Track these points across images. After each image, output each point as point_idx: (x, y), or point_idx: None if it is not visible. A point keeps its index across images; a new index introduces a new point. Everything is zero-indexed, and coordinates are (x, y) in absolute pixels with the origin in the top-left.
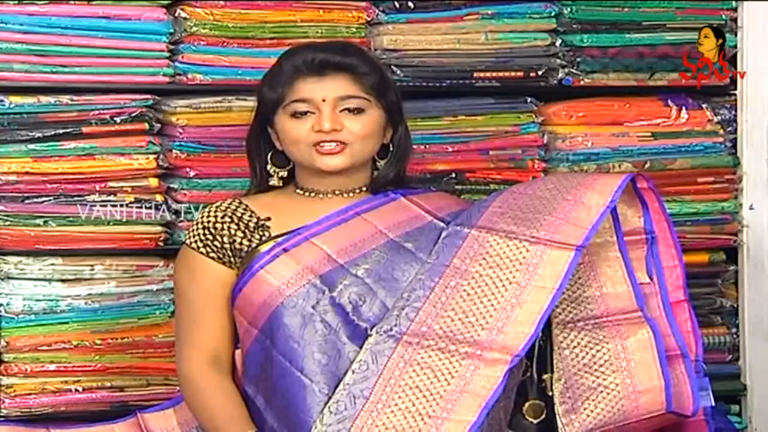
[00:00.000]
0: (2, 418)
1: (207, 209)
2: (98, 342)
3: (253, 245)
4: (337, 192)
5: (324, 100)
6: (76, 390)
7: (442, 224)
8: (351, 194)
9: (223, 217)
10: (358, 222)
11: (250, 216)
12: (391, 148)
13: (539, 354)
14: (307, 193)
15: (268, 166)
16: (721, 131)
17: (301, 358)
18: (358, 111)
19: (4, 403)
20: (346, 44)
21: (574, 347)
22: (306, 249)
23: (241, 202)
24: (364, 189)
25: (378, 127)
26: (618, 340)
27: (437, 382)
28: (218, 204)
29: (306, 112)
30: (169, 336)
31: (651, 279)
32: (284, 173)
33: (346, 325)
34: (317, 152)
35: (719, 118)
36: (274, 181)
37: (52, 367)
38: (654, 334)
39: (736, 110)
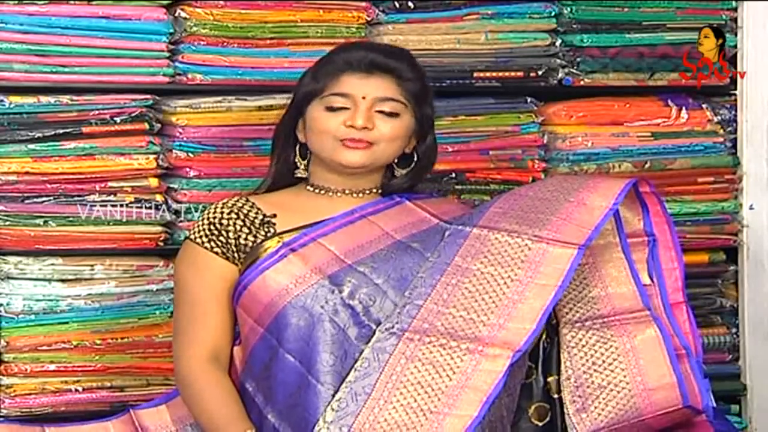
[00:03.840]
0: (2, 418)
1: (213, 206)
2: (98, 342)
3: (258, 241)
4: (347, 191)
5: (364, 98)
6: (76, 390)
7: (448, 226)
8: (360, 195)
9: (229, 214)
10: (363, 224)
11: (256, 213)
12: (415, 158)
13: (544, 356)
14: (316, 191)
15: (296, 158)
16: (721, 131)
17: (309, 358)
18: (393, 115)
19: (4, 403)
20: (400, 49)
21: (583, 346)
22: (313, 249)
23: (247, 200)
24: (375, 191)
25: (406, 133)
26: (626, 338)
27: (439, 377)
28: (225, 201)
29: (341, 108)
30: (169, 336)
31: (652, 281)
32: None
33: (356, 326)
34: (342, 146)
35: (719, 118)
36: (300, 173)
37: (52, 367)
38: (661, 332)
39: (736, 110)
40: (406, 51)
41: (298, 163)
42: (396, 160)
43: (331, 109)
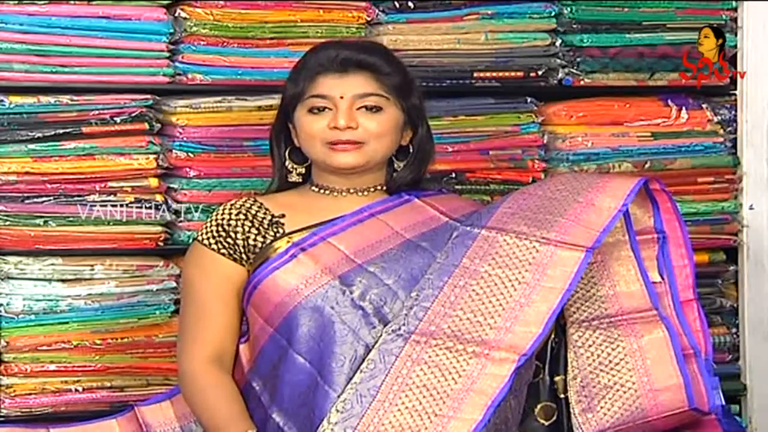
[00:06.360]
0: (2, 418)
1: (222, 207)
2: (98, 342)
3: (267, 242)
4: (351, 190)
5: (342, 97)
6: (76, 390)
7: (457, 225)
8: (366, 193)
9: (237, 215)
10: (373, 223)
11: (265, 213)
12: (411, 150)
13: (552, 356)
14: (322, 191)
15: (287, 162)
16: (721, 131)
17: (320, 360)
18: (376, 109)
19: (4, 403)
20: (373, 44)
21: (589, 346)
22: (323, 249)
23: (255, 200)
24: (379, 188)
25: (395, 127)
26: (633, 338)
27: (444, 380)
28: (233, 202)
29: (323, 108)
30: (169, 336)
31: (662, 278)
32: (302, 170)
33: (367, 327)
34: (331, 149)
35: (719, 118)
36: (293, 177)
37: (52, 367)
38: (669, 333)
39: (736, 110)
40: (380, 45)
41: (290, 168)
42: (395, 154)
43: (313, 111)
